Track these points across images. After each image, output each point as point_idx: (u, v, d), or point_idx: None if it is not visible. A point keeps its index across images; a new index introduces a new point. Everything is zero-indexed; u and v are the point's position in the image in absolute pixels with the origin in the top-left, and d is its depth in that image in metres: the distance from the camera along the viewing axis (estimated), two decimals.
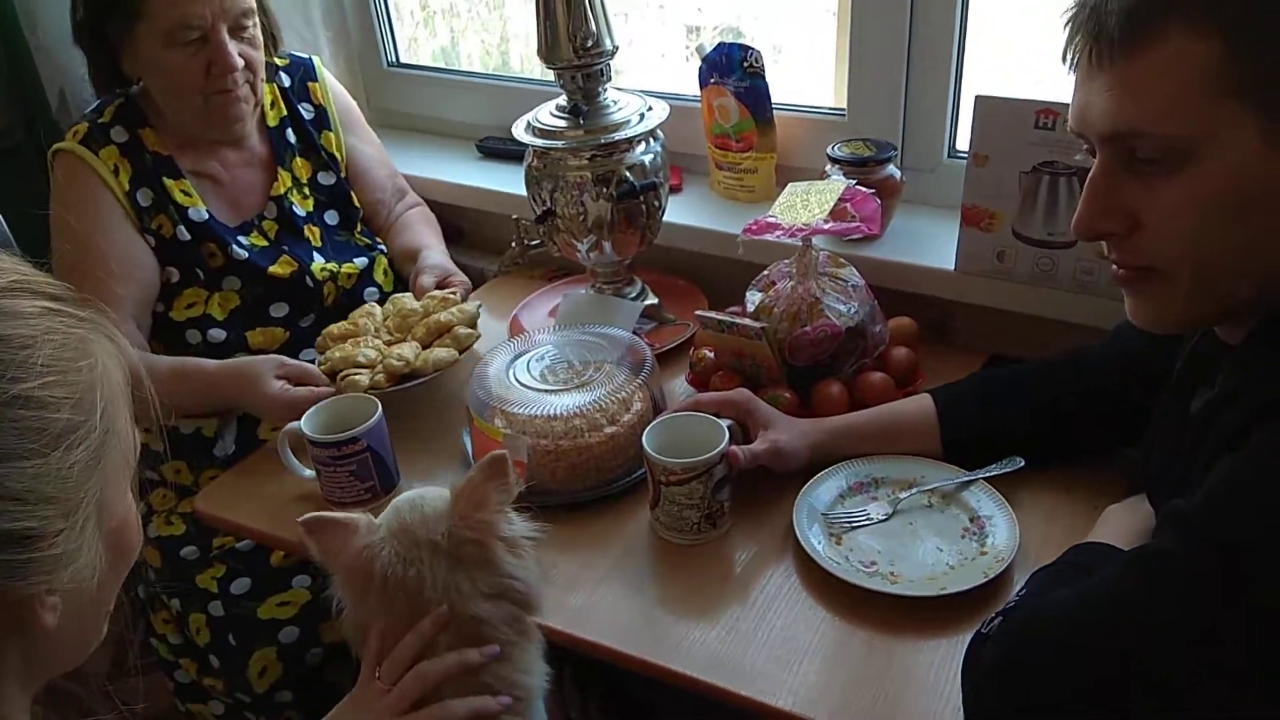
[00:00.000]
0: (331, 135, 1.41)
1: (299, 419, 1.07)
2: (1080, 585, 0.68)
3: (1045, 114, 1.02)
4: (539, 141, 1.20)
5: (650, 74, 1.96)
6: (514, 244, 1.28)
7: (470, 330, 1.23)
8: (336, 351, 1.18)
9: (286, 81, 1.39)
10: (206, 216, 1.29)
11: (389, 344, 1.21)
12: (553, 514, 1.02)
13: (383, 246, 1.43)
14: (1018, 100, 1.03)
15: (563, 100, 1.22)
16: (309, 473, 1.09)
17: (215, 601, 1.23)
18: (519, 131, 1.23)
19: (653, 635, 0.90)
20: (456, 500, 0.77)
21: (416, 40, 2.08)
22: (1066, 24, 0.68)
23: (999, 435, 1.00)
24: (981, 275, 1.15)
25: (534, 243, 1.28)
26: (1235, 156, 0.62)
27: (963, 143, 1.26)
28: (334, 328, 1.23)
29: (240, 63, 1.22)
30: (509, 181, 1.46)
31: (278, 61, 1.38)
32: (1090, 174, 0.69)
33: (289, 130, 1.38)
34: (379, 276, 1.40)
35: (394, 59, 1.79)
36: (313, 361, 1.21)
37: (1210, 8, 0.60)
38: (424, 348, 1.20)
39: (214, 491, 1.16)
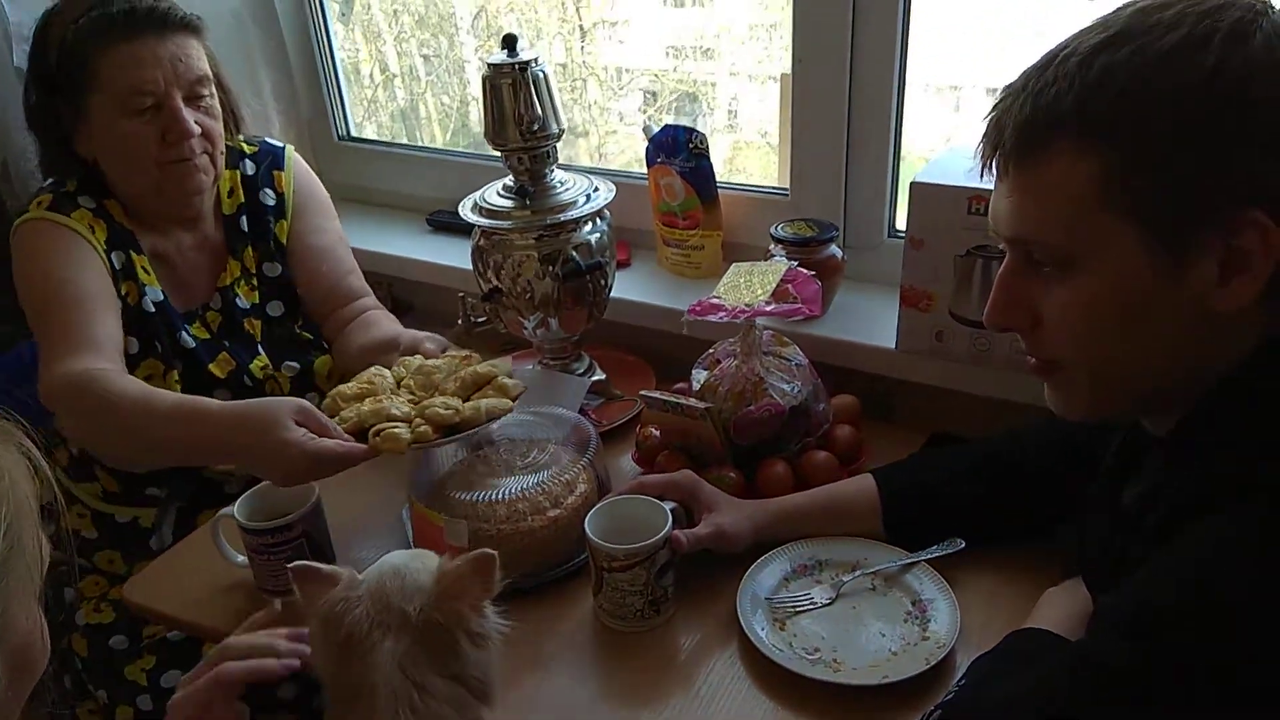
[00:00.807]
0: (285, 224, 1.35)
1: (319, 477, 0.95)
2: (1018, 682, 0.68)
3: (977, 200, 1.05)
4: (485, 221, 1.21)
5: (613, 138, 1.99)
6: (460, 321, 1.28)
7: (516, 381, 1.09)
8: (364, 407, 1.01)
9: (250, 169, 1.34)
10: (162, 298, 1.24)
11: (416, 402, 1.05)
12: (494, 600, 1.01)
13: (326, 345, 1.34)
14: (951, 187, 1.06)
15: (510, 180, 1.23)
16: (243, 559, 1.06)
17: (144, 695, 1.19)
18: (465, 211, 1.24)
19: None
20: (438, 582, 0.77)
21: (375, 102, 2.09)
22: (983, 130, 0.70)
23: (940, 516, 1.01)
24: (921, 354, 1.17)
25: (480, 320, 1.28)
26: (1118, 268, 0.64)
27: (902, 222, 1.30)
28: (345, 388, 1.06)
29: (196, 129, 1.19)
30: (458, 256, 1.46)
31: (245, 148, 1.34)
32: (1000, 270, 0.72)
33: (244, 218, 1.32)
34: (321, 381, 1.32)
35: (345, 132, 1.81)
36: None
37: (1095, 127, 0.62)
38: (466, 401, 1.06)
39: (143, 579, 1.12)
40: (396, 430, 0.98)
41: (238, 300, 1.30)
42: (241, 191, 1.33)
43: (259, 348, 1.30)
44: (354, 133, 1.83)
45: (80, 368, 1.08)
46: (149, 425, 1.04)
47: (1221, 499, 0.61)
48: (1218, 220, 0.61)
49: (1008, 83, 0.69)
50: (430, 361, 1.11)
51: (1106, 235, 0.64)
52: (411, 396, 1.06)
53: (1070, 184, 0.64)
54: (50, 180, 1.25)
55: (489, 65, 1.16)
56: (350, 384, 1.07)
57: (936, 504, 1.01)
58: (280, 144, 1.39)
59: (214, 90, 1.23)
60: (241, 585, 1.07)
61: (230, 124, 1.30)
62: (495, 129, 1.18)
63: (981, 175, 0.70)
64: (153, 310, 1.22)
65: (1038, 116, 0.64)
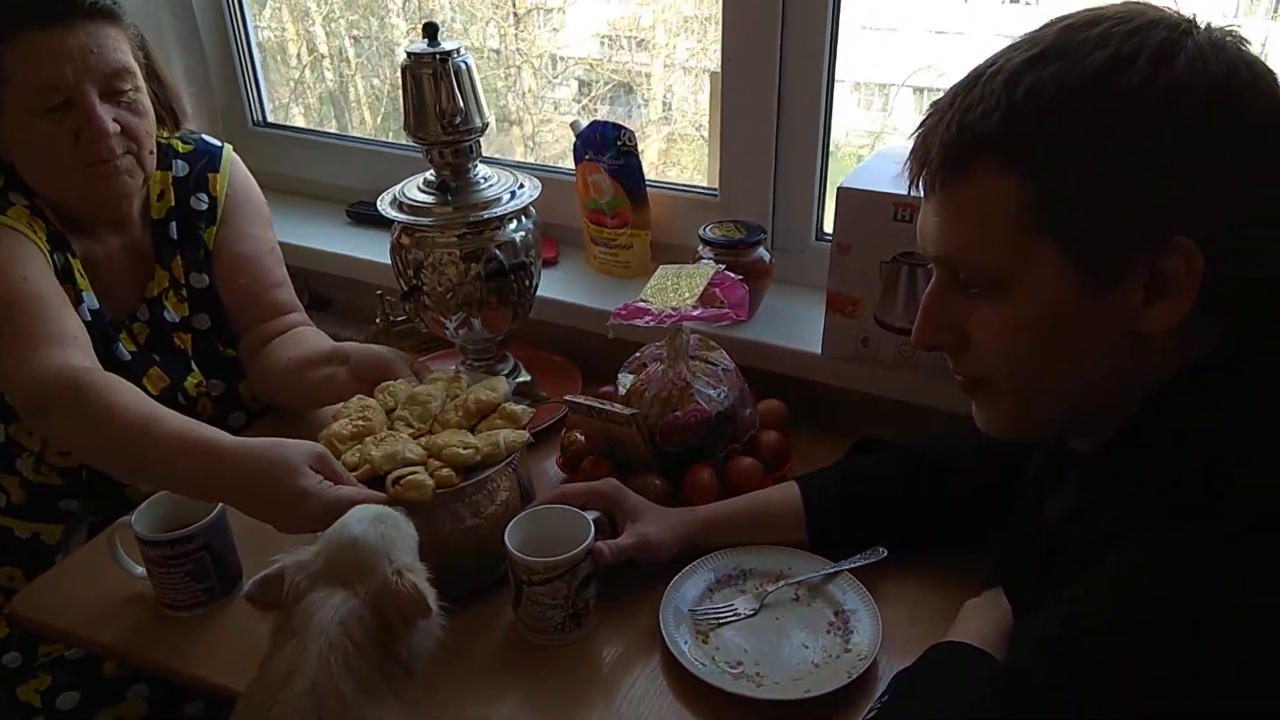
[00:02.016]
0: (215, 230, 1.26)
1: (327, 527, 0.83)
2: (939, 702, 0.67)
3: (903, 207, 1.05)
4: (405, 217, 1.17)
5: (547, 127, 1.95)
6: (378, 319, 1.23)
7: (525, 407, 1.04)
8: (373, 450, 0.94)
9: (183, 170, 1.24)
10: (97, 305, 1.16)
11: (418, 436, 0.99)
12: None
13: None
14: (877, 193, 1.06)
15: (431, 174, 1.19)
16: (142, 570, 1.01)
17: (38, 718, 1.11)
18: (384, 206, 1.19)
19: None
20: (389, 582, 0.77)
21: (303, 83, 2.01)
22: (910, 146, 0.69)
23: (866, 524, 1.01)
24: (847, 360, 1.17)
25: (400, 319, 1.23)
26: (1043, 290, 0.64)
27: (830, 226, 1.29)
28: (338, 427, 0.98)
29: (113, 127, 1.08)
30: (379, 250, 1.41)
31: (179, 146, 1.25)
32: (928, 289, 0.71)
33: (173, 224, 1.23)
34: (247, 402, 1.27)
35: (260, 118, 1.73)
36: None
37: (1018, 149, 0.62)
38: (472, 432, 1.00)
39: (34, 592, 1.06)
40: (418, 477, 0.92)
41: (165, 313, 1.22)
42: (172, 194, 1.24)
43: (191, 364, 1.23)
44: (273, 118, 1.75)
45: (66, 363, 0.99)
46: (149, 447, 0.94)
47: (1144, 521, 0.61)
48: (1142, 244, 0.61)
49: (935, 100, 0.68)
50: (421, 389, 1.05)
51: (1030, 257, 0.63)
52: (411, 430, 1.00)
53: (994, 205, 0.63)
54: None
55: (408, 54, 1.11)
56: (342, 422, 0.99)
57: (862, 511, 1.01)
58: (219, 143, 1.30)
59: (139, 83, 1.13)
60: (142, 598, 1.02)
61: (167, 121, 1.21)
62: (416, 121, 1.13)
63: (909, 191, 0.70)
64: (89, 318, 1.14)
65: (963, 136, 0.63)
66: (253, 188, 1.32)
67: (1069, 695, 0.59)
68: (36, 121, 1.07)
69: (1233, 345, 0.64)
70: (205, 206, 1.26)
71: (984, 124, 0.62)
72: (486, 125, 1.16)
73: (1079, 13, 0.64)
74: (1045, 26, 0.65)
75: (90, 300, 1.15)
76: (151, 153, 1.15)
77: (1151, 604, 0.58)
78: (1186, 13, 0.63)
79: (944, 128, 0.65)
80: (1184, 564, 0.58)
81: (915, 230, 0.72)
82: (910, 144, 0.69)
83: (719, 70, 1.28)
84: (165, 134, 1.22)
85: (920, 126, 0.68)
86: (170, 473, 0.95)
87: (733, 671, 0.90)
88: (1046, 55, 0.62)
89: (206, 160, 1.27)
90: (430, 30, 1.11)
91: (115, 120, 1.09)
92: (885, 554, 0.99)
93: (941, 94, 0.68)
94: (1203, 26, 0.62)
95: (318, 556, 0.79)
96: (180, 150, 1.25)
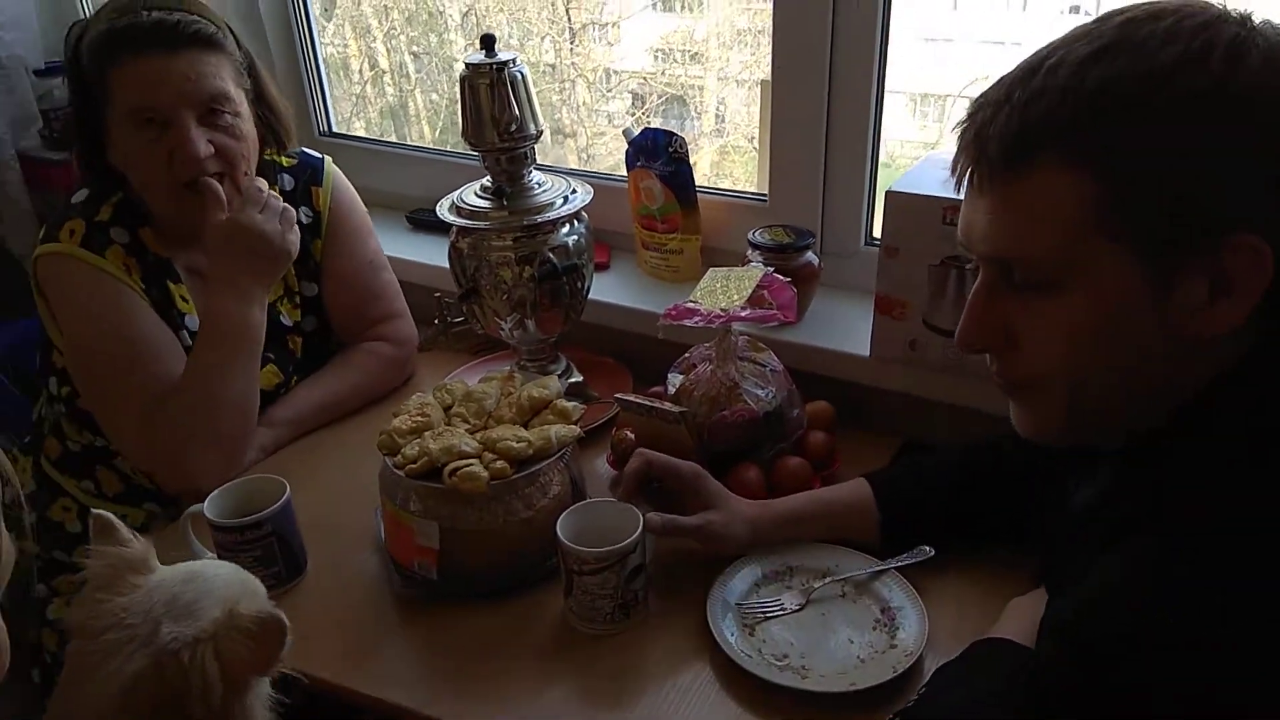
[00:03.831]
0: (320, 243, 1.34)
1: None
2: (974, 690, 0.68)
3: (952, 210, 1.05)
4: (462, 221, 1.21)
5: (600, 140, 1.99)
6: (436, 321, 1.28)
7: (576, 404, 1.08)
8: (431, 443, 0.99)
9: (289, 184, 1.31)
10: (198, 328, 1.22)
11: (474, 431, 1.04)
12: (465, 601, 1.01)
13: None
14: (926, 196, 1.07)
15: (487, 181, 1.23)
16: (212, 555, 1.05)
17: None
18: (443, 211, 1.23)
19: None
20: (215, 631, 0.64)
21: (364, 98, 2.08)
22: (957, 138, 0.69)
23: (935, 521, 1.01)
24: (895, 362, 1.17)
25: (457, 320, 1.28)
26: (1105, 289, 0.62)
27: (879, 231, 1.30)
28: (399, 423, 1.04)
29: (204, 151, 1.12)
30: (438, 255, 1.46)
31: (283, 161, 1.31)
32: (973, 289, 0.70)
33: None
34: None
35: (326, 128, 1.80)
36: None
37: (1089, 144, 0.60)
38: (525, 427, 1.05)
39: None
40: (473, 469, 0.97)
41: (281, 318, 1.30)
42: None
43: (301, 363, 1.32)
44: (337, 129, 1.82)
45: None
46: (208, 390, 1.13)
47: (1166, 515, 0.61)
48: (1211, 242, 0.60)
49: (981, 93, 0.67)
50: (477, 387, 1.11)
51: (1096, 256, 0.62)
52: (468, 425, 1.05)
53: (1058, 202, 0.61)
54: (83, 195, 1.20)
55: (466, 65, 1.15)
56: (402, 417, 1.05)
57: (931, 508, 1.01)
58: (319, 156, 1.36)
59: (240, 109, 1.17)
60: None
61: (273, 142, 1.26)
62: (473, 130, 1.18)
63: (958, 189, 0.69)
64: (190, 342, 1.21)
65: (1026, 130, 0.62)
66: (354, 200, 1.39)
67: (1082, 681, 0.59)
68: (136, 139, 1.13)
69: (1270, 346, 0.63)
70: (310, 220, 1.33)
71: (1050, 118, 0.61)
72: (541, 133, 1.20)
73: (1135, 6, 0.63)
74: (1101, 21, 0.63)
75: (193, 322, 1.22)
76: (247, 174, 1.19)
77: (1162, 598, 0.58)
78: (1240, 7, 0.61)
79: (1003, 121, 0.63)
80: (1196, 560, 0.58)
81: (959, 238, 0.70)
82: (960, 135, 0.67)
83: (768, 79, 1.30)
84: (271, 153, 1.28)
85: (968, 121, 0.66)
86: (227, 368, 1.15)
87: (779, 664, 0.91)
88: (1111, 50, 0.60)
89: (310, 174, 1.34)
90: (488, 42, 1.15)
91: (210, 143, 1.14)
92: (932, 553, 0.99)
93: (986, 89, 0.67)
94: (1259, 22, 0.61)
95: (152, 578, 0.67)
96: (285, 165, 1.32)
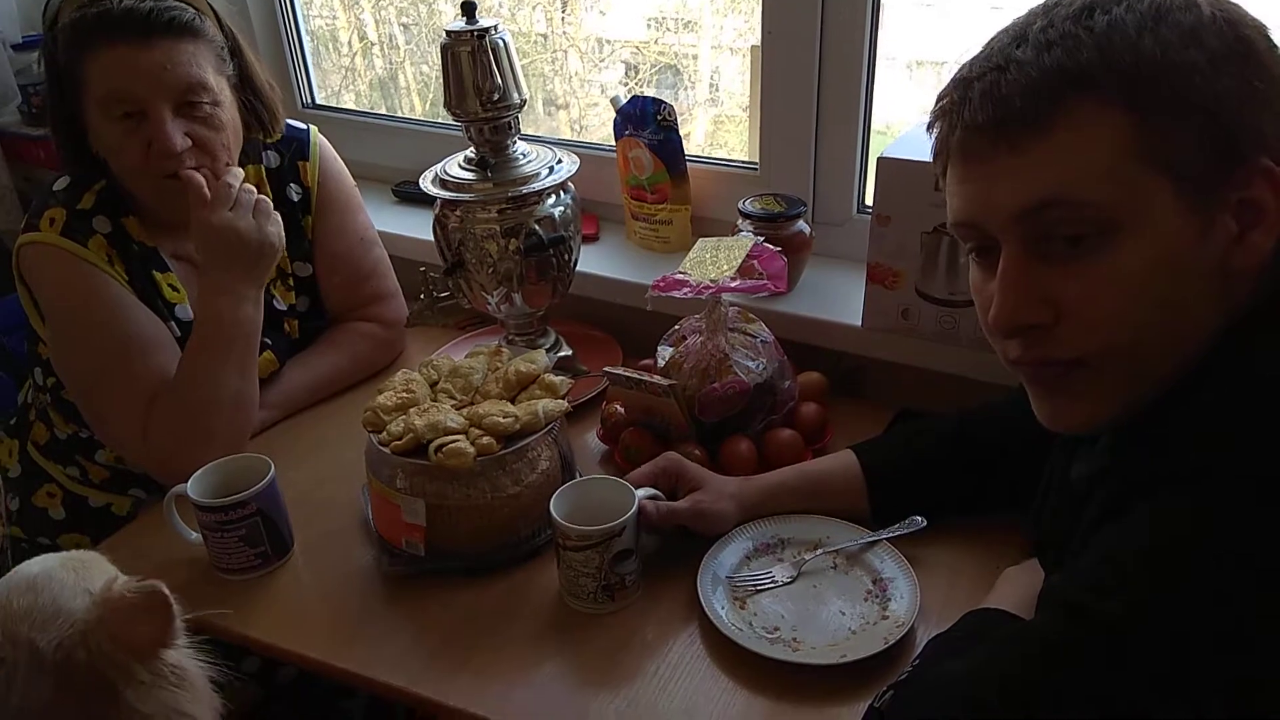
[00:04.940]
0: (310, 219, 1.30)
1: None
2: (967, 659, 0.67)
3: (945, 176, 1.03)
4: (446, 194, 1.18)
5: (594, 110, 1.97)
6: (422, 296, 1.26)
7: (564, 378, 1.06)
8: (416, 420, 0.98)
9: (274, 161, 1.27)
10: (192, 316, 1.18)
11: (460, 407, 1.02)
12: (454, 578, 1.00)
13: None
14: (918, 162, 1.05)
15: (471, 152, 1.21)
16: (196, 536, 1.05)
17: None
18: (426, 184, 1.21)
19: (549, 709, 0.88)
20: (96, 611, 0.59)
21: (354, 70, 2.05)
22: (936, 120, 0.67)
23: (923, 492, 1.00)
24: (887, 332, 1.16)
25: (443, 294, 1.26)
26: (1159, 228, 0.61)
27: (871, 198, 1.28)
28: (383, 399, 1.02)
29: (181, 143, 1.08)
30: (424, 227, 1.43)
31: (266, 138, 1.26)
32: (1001, 268, 0.65)
33: None
34: None
35: (309, 100, 1.77)
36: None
37: (1106, 78, 0.60)
38: (512, 403, 1.03)
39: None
40: (460, 445, 0.95)
41: (275, 301, 1.27)
42: (268, 188, 1.26)
43: (297, 347, 1.30)
44: (324, 102, 1.79)
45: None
46: (209, 386, 1.11)
47: (1169, 483, 0.60)
48: (1238, 169, 0.61)
49: (961, 71, 0.65)
50: (463, 362, 1.09)
51: (1144, 192, 0.60)
52: (454, 401, 1.03)
53: (1098, 137, 0.60)
54: (65, 183, 1.16)
55: (447, 33, 1.13)
56: (387, 394, 1.03)
57: (919, 479, 1.00)
58: (304, 127, 1.32)
59: (218, 97, 1.12)
60: (197, 562, 1.05)
61: (259, 127, 1.22)
62: (455, 99, 1.15)
63: (949, 163, 0.66)
64: (180, 334, 1.18)
65: (1046, 77, 0.60)
66: (342, 172, 1.35)
67: (1088, 650, 0.59)
68: (113, 130, 1.09)
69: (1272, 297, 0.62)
70: (299, 197, 1.29)
71: (1070, 60, 0.60)
72: (524, 101, 1.17)
73: None
74: None
75: (184, 310, 1.20)
76: (229, 164, 1.15)
77: (1167, 565, 0.57)
78: None
79: (1016, 77, 0.61)
80: (1201, 526, 0.57)
81: (961, 215, 0.67)
82: (949, 114, 0.65)
83: (758, 45, 1.28)
84: (254, 134, 1.23)
85: (960, 97, 0.64)
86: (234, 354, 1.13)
87: (769, 637, 0.90)
88: (1095, 5, 0.62)
89: (295, 148, 1.29)
90: (468, 9, 1.12)
91: (188, 134, 1.10)
92: (924, 524, 0.98)
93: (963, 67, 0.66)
94: None
95: None
96: (269, 140, 1.27)
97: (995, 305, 0.66)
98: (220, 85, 1.13)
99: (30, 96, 1.79)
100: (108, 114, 1.09)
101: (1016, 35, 0.64)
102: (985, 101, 0.63)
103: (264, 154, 1.27)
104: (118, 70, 1.07)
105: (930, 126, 0.69)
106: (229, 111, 1.15)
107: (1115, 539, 0.62)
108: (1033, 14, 0.65)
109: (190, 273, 1.21)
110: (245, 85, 1.18)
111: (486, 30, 1.11)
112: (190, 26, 1.09)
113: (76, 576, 0.61)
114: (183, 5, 1.10)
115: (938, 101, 0.68)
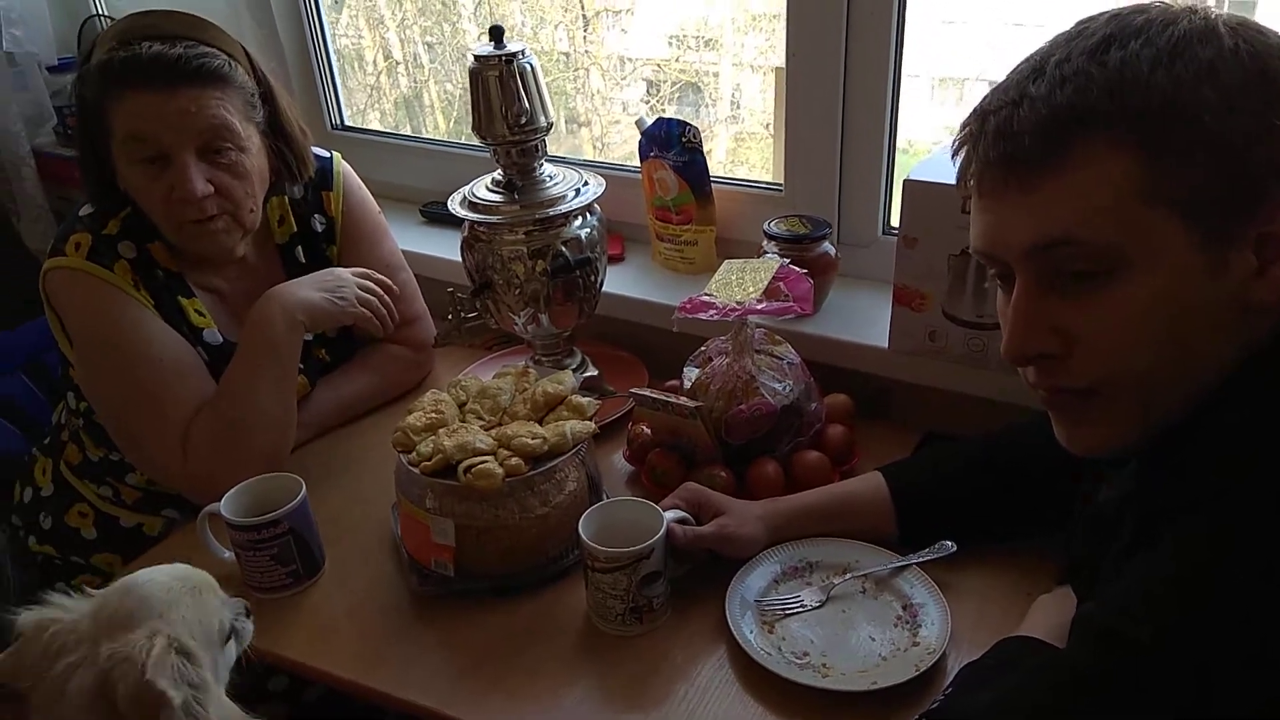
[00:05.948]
0: (336, 250, 1.31)
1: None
2: (999, 688, 0.67)
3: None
4: (474, 216, 1.20)
5: (615, 128, 1.98)
6: (450, 316, 1.27)
7: (591, 399, 1.07)
8: (445, 440, 0.99)
9: (299, 193, 1.27)
10: (221, 340, 1.20)
11: (489, 428, 1.03)
12: (483, 598, 1.01)
13: None
14: (945, 185, 1.05)
15: (499, 174, 1.22)
16: (229, 554, 1.06)
17: None
18: (454, 205, 1.22)
19: None
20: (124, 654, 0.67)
21: (379, 89, 2.08)
22: (959, 150, 0.68)
23: (952, 515, 0.99)
24: (914, 354, 1.15)
25: (471, 315, 1.27)
26: (1162, 266, 0.61)
27: (897, 220, 1.28)
28: (413, 419, 1.03)
29: (204, 189, 1.08)
30: (451, 248, 1.45)
31: None
32: (1013, 298, 0.66)
33: (299, 248, 1.27)
34: None
35: (339, 122, 1.79)
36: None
37: (1128, 117, 0.60)
38: (540, 424, 1.04)
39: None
40: (488, 466, 0.96)
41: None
42: (292, 219, 1.27)
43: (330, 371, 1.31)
44: (351, 123, 1.81)
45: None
46: (249, 401, 1.14)
47: (1190, 509, 0.60)
48: (1252, 206, 0.60)
49: (981, 103, 0.66)
50: (491, 383, 1.09)
51: (1154, 230, 0.61)
52: (482, 422, 1.04)
53: (1107, 177, 0.60)
54: (90, 209, 1.17)
55: (475, 57, 1.14)
56: (416, 414, 1.04)
57: (948, 503, 0.99)
58: (327, 154, 1.32)
59: (244, 144, 1.12)
60: (229, 580, 1.06)
61: (285, 174, 1.21)
62: (483, 122, 1.16)
63: (970, 193, 0.67)
64: (207, 359, 1.19)
65: (1058, 114, 0.61)
66: (366, 200, 1.35)
67: (1117, 682, 0.58)
68: (137, 173, 1.10)
69: None
70: (323, 228, 1.30)
71: (1081, 97, 0.60)
72: (551, 125, 1.19)
73: (1112, 9, 0.64)
74: (1086, 23, 0.64)
75: (212, 335, 1.20)
76: (253, 210, 1.16)
77: (1197, 592, 0.57)
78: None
79: (1028, 114, 0.62)
80: (1231, 552, 0.56)
81: (980, 244, 0.68)
82: (968, 145, 0.66)
83: (783, 66, 1.28)
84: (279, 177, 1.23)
85: (977, 130, 0.65)
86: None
87: (799, 662, 0.90)
88: (1116, 37, 0.61)
89: (319, 177, 1.29)
90: (496, 33, 1.14)
91: (210, 180, 1.10)
92: (954, 549, 0.98)
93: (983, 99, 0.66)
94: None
95: (96, 604, 0.70)
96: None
97: (1006, 334, 0.68)
98: (248, 132, 1.13)
99: (66, 118, 1.82)
100: (131, 157, 1.10)
101: (1035, 68, 0.64)
102: (998, 139, 0.64)
103: (288, 185, 1.28)
104: (141, 116, 1.07)
105: (954, 154, 0.69)
106: (256, 159, 1.14)
107: (1145, 567, 0.62)
108: (1055, 43, 0.65)
109: (216, 302, 1.22)
110: (276, 132, 1.18)
111: (514, 55, 1.13)
112: (218, 73, 1.09)
113: (164, 596, 0.71)
114: (214, 51, 1.10)
115: (961, 129, 0.69)
